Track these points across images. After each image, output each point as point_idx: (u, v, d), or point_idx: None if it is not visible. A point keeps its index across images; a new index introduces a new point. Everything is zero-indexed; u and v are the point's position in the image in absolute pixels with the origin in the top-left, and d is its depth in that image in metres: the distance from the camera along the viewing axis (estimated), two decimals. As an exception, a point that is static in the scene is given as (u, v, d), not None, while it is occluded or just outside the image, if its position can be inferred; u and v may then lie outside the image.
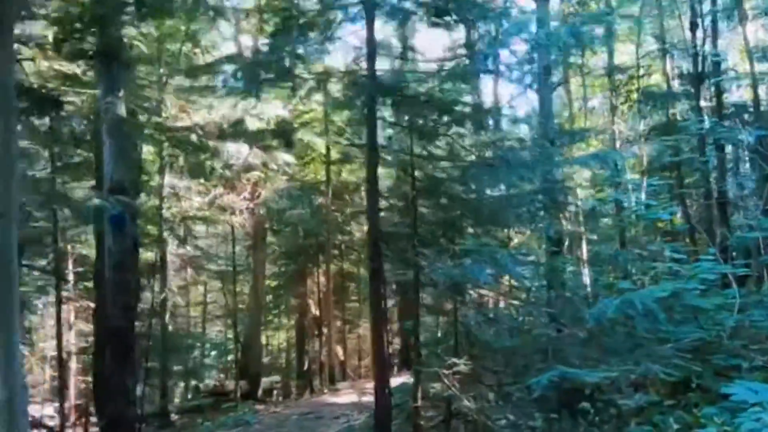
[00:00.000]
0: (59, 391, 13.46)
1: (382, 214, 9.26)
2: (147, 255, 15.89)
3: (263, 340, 25.15)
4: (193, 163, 15.22)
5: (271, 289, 25.09)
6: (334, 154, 21.15)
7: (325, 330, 22.93)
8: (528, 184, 9.29)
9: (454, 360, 8.92)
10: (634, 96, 15.67)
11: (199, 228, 20.45)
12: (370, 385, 19.61)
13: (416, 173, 9.18)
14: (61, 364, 14.18)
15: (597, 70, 17.34)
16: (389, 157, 9.68)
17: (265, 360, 23.37)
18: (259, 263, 21.49)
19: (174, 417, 17.84)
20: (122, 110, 9.58)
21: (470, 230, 10.24)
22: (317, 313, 24.61)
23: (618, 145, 14.71)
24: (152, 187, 15.98)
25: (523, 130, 15.20)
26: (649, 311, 7.10)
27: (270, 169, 17.54)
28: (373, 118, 8.69)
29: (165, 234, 16.14)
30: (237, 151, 16.65)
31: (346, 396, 18.07)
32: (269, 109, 16.01)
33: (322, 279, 23.72)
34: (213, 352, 23.31)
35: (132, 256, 9.60)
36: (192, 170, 15.25)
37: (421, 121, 9.64)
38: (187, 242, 17.73)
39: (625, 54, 17.52)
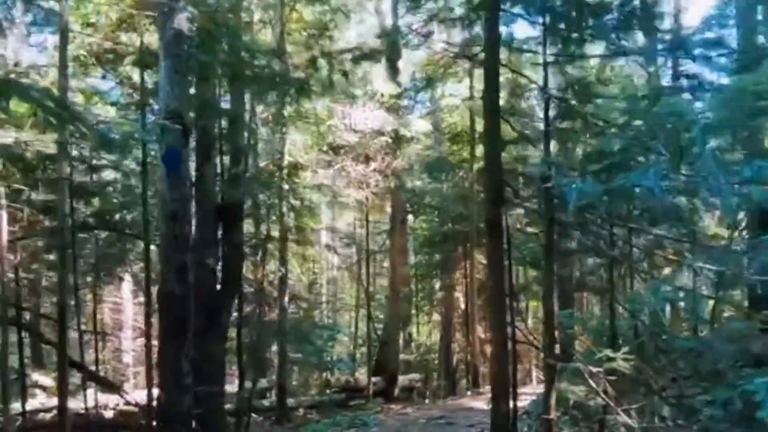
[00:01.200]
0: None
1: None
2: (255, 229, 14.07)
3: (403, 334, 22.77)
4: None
5: (414, 279, 22.68)
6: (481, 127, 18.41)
7: (471, 327, 20.27)
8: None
9: (608, 353, 5.86)
10: None
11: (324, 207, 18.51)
12: (522, 390, 16.70)
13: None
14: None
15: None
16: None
17: (405, 356, 20.91)
18: (399, 250, 19.16)
19: (296, 413, 15.94)
20: (183, 22, 7.60)
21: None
22: (465, 308, 22.00)
23: None
24: (267, 153, 14.13)
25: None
26: None
27: (404, 138, 15.18)
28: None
29: (284, 208, 14.23)
30: (364, 117, 14.48)
31: (487, 400, 15.29)
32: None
33: (469, 270, 21.04)
34: (332, 343, 21.34)
35: (189, 204, 7.58)
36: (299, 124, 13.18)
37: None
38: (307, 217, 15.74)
39: None
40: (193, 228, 9.89)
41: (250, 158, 12.39)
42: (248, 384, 13.09)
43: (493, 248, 7.15)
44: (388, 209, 19.41)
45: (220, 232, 11.73)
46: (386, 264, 21.71)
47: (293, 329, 16.02)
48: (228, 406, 13.24)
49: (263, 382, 17.28)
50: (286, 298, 15.01)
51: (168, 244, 7.21)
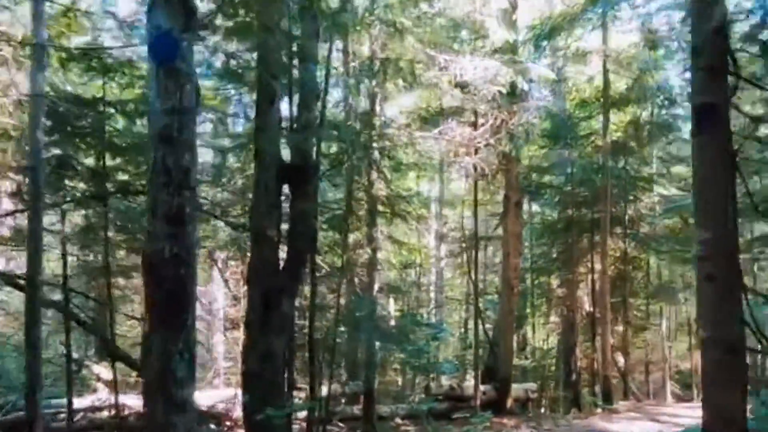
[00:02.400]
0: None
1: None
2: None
3: (516, 337, 19.41)
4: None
5: (530, 274, 19.33)
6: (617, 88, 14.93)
7: (600, 331, 16.80)
8: None
9: None
10: None
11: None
12: (668, 410, 13.16)
13: None
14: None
15: None
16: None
17: (518, 362, 17.66)
18: (513, 237, 15.92)
19: (388, 423, 13.15)
20: None
21: None
22: (591, 308, 18.47)
23: None
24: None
25: None
26: None
27: (521, 94, 12.05)
28: None
29: (374, 173, 11.47)
30: (471, 66, 11.47)
31: (629, 422, 11.93)
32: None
33: (597, 265, 17.50)
34: (435, 344, 18.10)
35: (193, 118, 4.89)
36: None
37: None
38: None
39: None
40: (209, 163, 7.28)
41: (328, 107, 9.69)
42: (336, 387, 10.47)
43: (706, 150, 4.06)
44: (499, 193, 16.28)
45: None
46: (497, 254, 18.54)
47: (385, 324, 13.28)
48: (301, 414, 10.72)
49: (352, 386, 14.69)
50: (376, 286, 12.23)
51: (156, 178, 4.60)
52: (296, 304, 10.00)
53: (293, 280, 8.90)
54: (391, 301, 19.08)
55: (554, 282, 19.89)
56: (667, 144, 20.41)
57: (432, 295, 24.53)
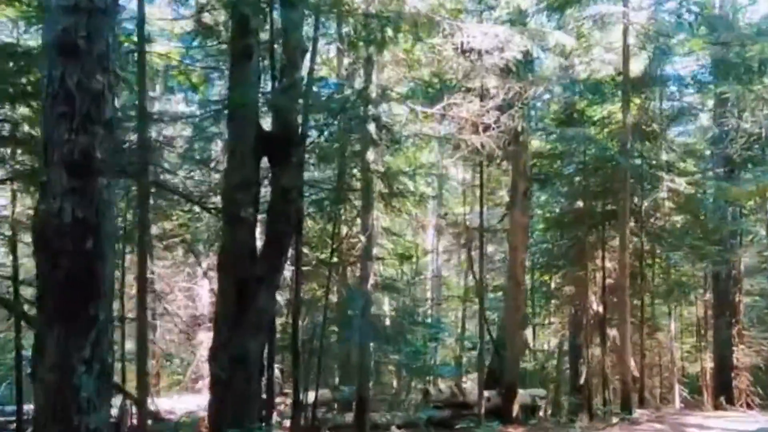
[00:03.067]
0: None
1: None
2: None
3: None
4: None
5: (533, 271, 17.82)
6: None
7: (617, 331, 15.37)
8: None
9: None
10: None
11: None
12: (692, 420, 11.73)
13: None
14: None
15: None
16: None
17: (523, 365, 16.18)
18: (520, 230, 14.45)
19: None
20: None
21: None
22: (600, 309, 17.01)
23: None
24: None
25: None
26: None
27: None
28: None
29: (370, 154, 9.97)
30: (480, 32, 9.99)
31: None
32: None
33: (608, 264, 16.04)
34: (434, 345, 16.43)
35: (109, 22, 3.38)
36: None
37: None
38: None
39: None
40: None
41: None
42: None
43: None
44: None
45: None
46: (497, 252, 17.07)
47: (380, 323, 11.82)
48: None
49: (344, 392, 13.19)
50: (371, 281, 10.72)
51: (51, 107, 3.10)
52: (278, 298, 8.50)
53: (272, 269, 7.40)
54: (386, 298, 17.58)
55: (559, 280, 18.42)
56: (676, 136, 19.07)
57: (429, 293, 23.04)
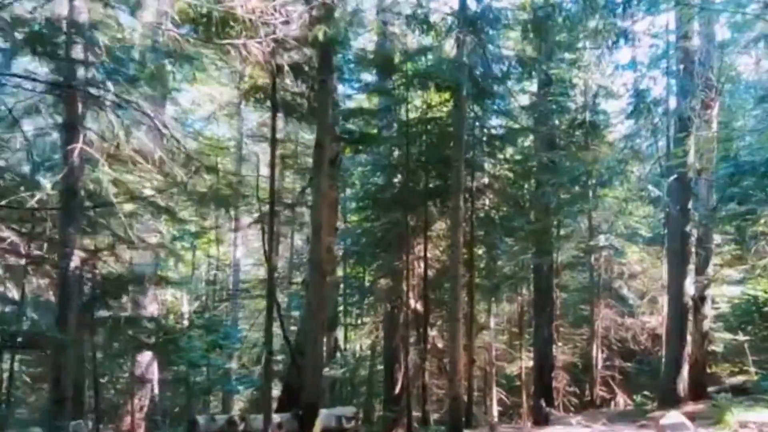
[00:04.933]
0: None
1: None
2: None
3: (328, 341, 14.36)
4: None
5: (344, 261, 14.45)
6: None
7: (432, 333, 12.50)
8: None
9: None
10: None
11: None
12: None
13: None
14: None
15: None
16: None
17: (330, 372, 12.73)
18: (325, 204, 10.91)
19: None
20: None
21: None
22: (419, 306, 14.12)
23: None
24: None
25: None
26: None
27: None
28: None
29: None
30: None
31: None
32: None
33: (430, 253, 13.13)
34: (213, 356, 12.25)
35: None
36: None
37: None
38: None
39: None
40: None
41: None
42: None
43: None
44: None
45: None
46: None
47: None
48: None
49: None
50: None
51: None
52: None
53: None
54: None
55: (374, 272, 15.24)
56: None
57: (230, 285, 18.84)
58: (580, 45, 15.74)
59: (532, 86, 16.83)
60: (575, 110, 16.60)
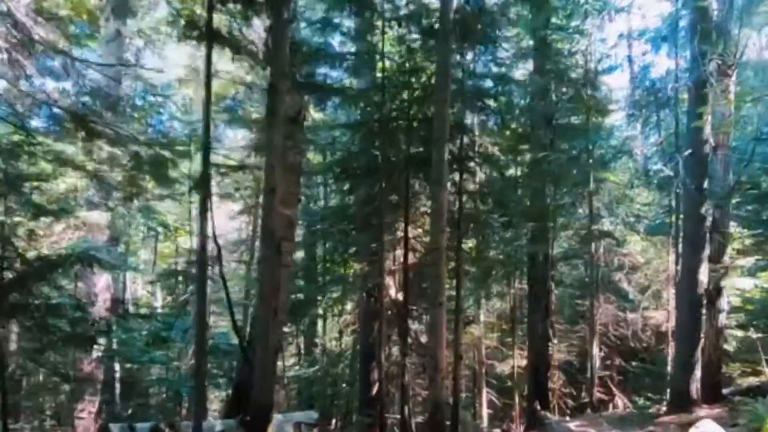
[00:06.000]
0: None
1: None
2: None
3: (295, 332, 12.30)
4: None
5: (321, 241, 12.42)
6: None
7: (414, 327, 10.54)
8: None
9: None
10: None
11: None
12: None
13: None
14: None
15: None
16: None
17: (297, 372, 10.68)
18: (285, 168, 8.87)
19: None
20: None
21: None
22: (400, 296, 12.18)
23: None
24: None
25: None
26: None
27: None
28: None
29: None
30: None
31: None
32: None
33: (412, 233, 11.16)
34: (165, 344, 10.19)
35: None
36: None
37: None
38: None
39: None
40: None
41: None
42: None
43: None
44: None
45: None
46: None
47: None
48: None
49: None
50: None
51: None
52: None
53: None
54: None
55: (353, 258, 13.20)
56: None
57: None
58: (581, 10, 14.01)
59: (528, 64, 15.06)
60: (575, 82, 14.74)
